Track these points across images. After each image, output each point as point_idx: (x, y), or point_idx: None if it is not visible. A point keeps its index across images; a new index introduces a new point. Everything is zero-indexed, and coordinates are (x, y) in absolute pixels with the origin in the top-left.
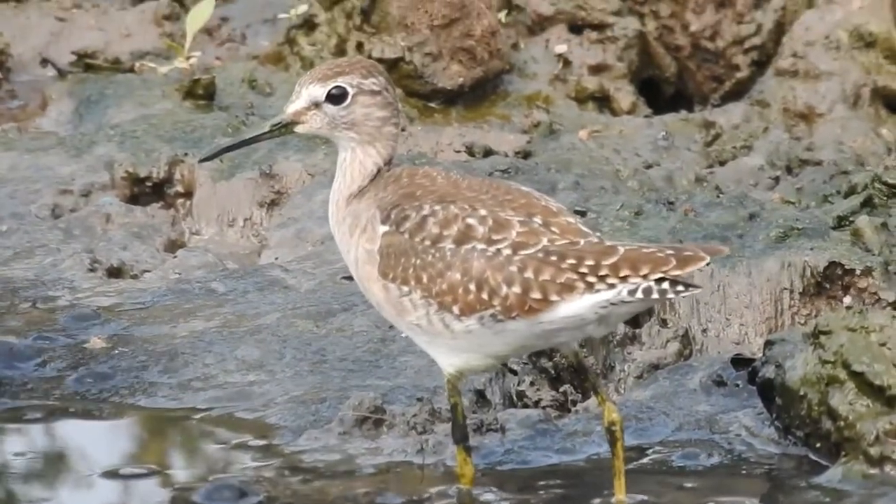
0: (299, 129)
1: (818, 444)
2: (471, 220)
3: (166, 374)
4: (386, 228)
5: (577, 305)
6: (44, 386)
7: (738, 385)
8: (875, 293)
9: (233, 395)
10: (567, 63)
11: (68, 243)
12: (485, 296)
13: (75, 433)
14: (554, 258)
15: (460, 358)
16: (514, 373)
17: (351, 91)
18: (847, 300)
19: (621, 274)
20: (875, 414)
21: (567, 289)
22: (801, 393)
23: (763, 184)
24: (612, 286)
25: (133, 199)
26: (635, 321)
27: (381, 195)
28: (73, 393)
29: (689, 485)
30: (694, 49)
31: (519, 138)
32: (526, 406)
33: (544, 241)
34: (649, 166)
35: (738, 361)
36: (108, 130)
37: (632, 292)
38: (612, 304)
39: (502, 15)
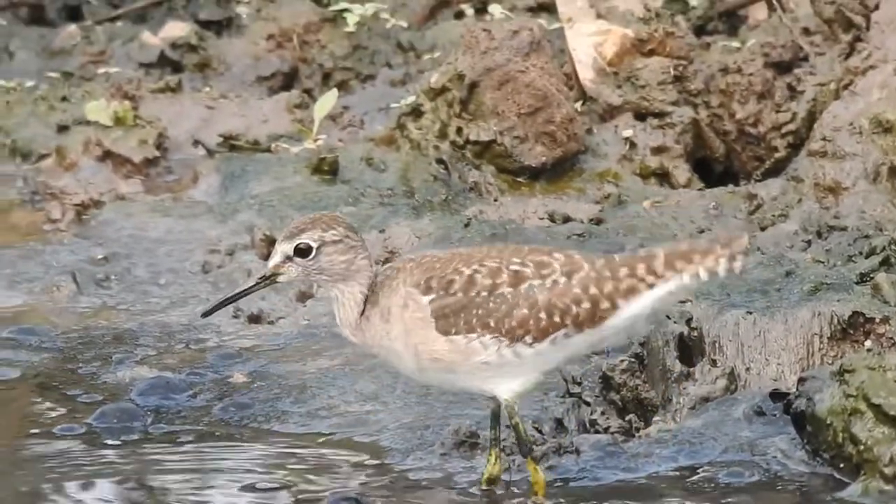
0: (281, 278)
1: (842, 465)
2: (514, 267)
3: (297, 404)
4: (432, 296)
5: (641, 304)
6: (194, 414)
7: (775, 415)
8: (892, 338)
9: (352, 421)
10: (633, 145)
11: (216, 294)
12: (557, 319)
13: (220, 454)
14: (607, 273)
15: (519, 381)
16: (588, 404)
17: (314, 245)
18: (868, 344)
19: (677, 268)
20: (890, 440)
21: (632, 291)
22: (828, 422)
23: (797, 246)
24: (668, 280)
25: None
26: (689, 361)
27: (393, 284)
28: (219, 420)
29: (733, 499)
30: (739, 133)
31: (592, 207)
32: (597, 432)
33: (586, 266)
34: (702, 231)
35: (776, 395)
36: (248, 200)
37: (693, 277)
38: (671, 293)
39: (578, 105)
